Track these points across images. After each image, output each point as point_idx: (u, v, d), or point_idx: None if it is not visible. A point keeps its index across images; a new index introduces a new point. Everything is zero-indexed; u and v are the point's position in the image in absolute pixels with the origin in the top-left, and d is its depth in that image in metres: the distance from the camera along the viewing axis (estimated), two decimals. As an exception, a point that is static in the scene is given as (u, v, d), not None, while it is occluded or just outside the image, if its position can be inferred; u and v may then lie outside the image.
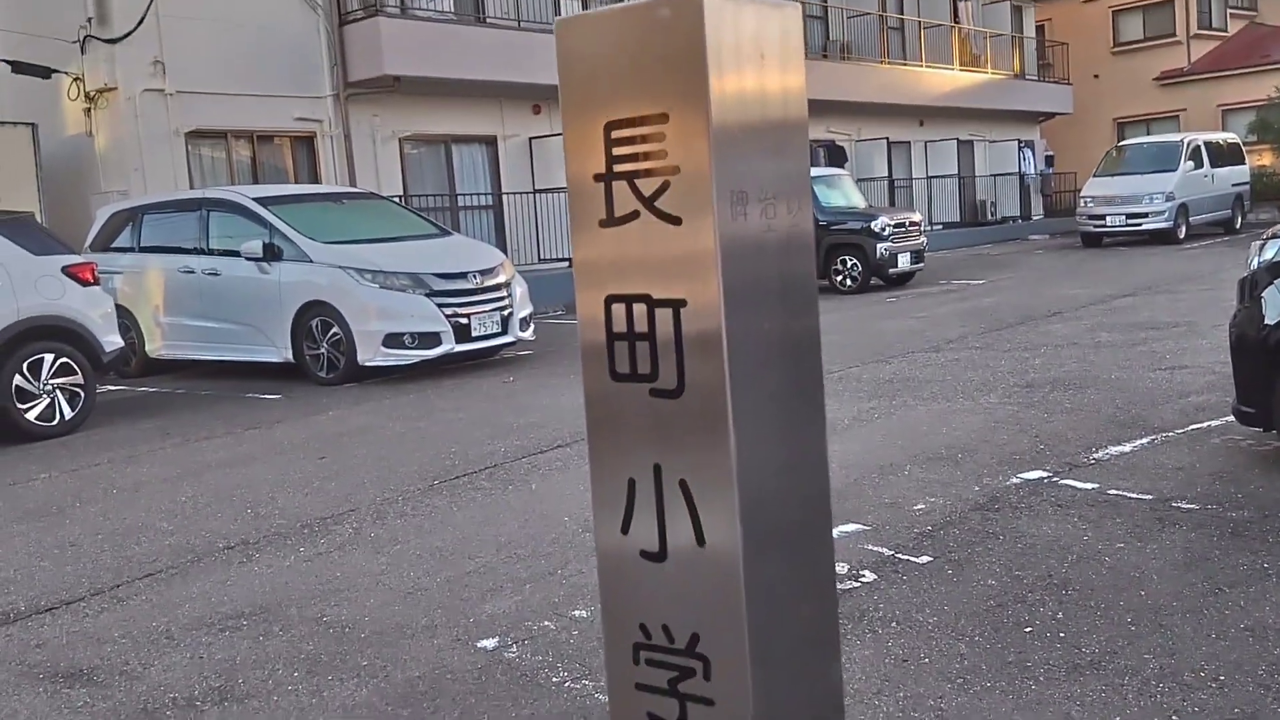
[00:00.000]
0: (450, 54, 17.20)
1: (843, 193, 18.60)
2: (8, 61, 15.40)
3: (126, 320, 12.07)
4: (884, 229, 17.39)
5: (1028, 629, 4.19)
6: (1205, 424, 7.03)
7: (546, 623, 4.57)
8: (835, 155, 25.84)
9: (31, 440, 9.35)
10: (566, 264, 19.81)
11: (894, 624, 4.33)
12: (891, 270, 17.51)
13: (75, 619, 5.06)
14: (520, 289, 11.87)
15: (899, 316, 14.09)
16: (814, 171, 19.04)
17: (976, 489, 5.95)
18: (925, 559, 4.98)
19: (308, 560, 5.64)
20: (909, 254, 17.76)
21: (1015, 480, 6.07)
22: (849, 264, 17.54)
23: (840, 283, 17.59)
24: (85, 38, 15.29)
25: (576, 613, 4.63)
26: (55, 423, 9.48)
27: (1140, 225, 23.05)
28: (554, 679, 4.08)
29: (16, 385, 9.24)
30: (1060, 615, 4.28)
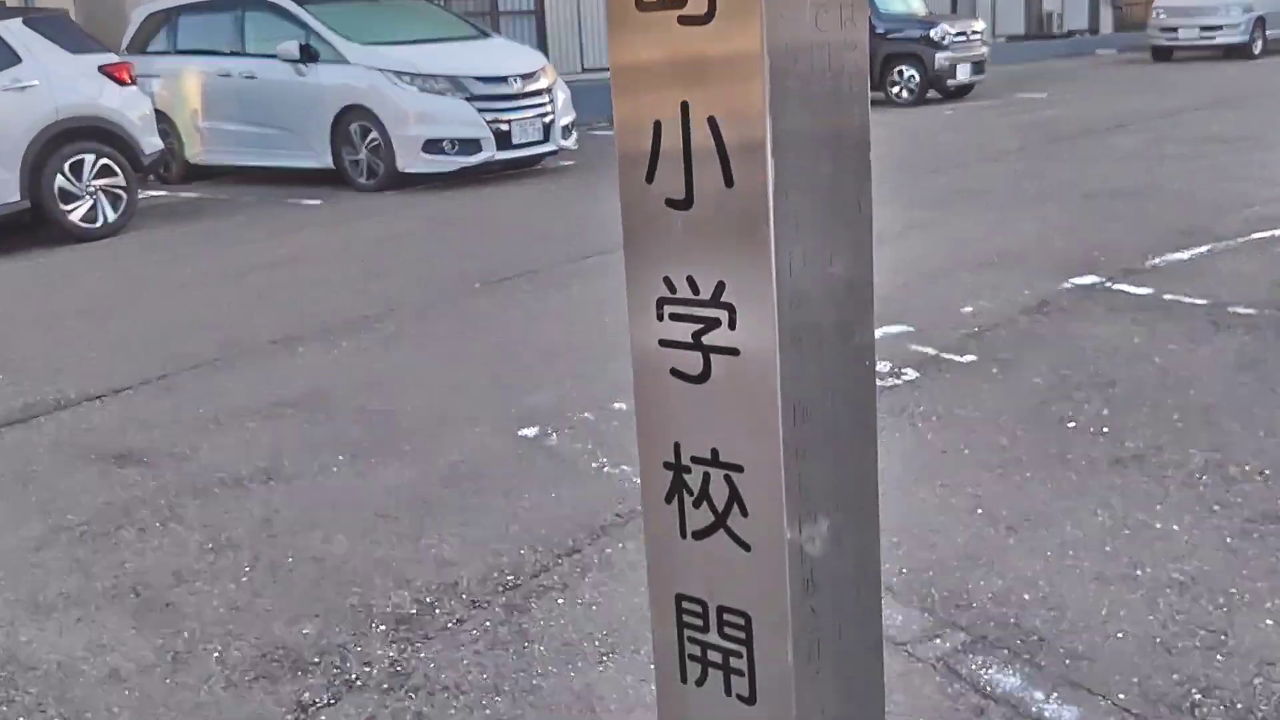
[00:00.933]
0: None
1: (903, 0, 17.83)
2: None
3: (165, 125, 11.94)
4: (944, 38, 16.71)
5: (1071, 424, 4.14)
6: (1269, 233, 6.80)
7: (586, 414, 4.58)
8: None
9: (76, 241, 9.39)
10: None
11: (935, 418, 4.29)
12: (950, 81, 16.90)
13: (124, 406, 5.15)
14: (563, 95, 11.59)
15: (957, 129, 13.67)
16: (871, -23, 18.24)
17: (1027, 293, 5.82)
18: (970, 358, 4.91)
19: (351, 355, 5.67)
20: (969, 65, 17.10)
21: (1068, 285, 5.93)
22: (906, 75, 16.93)
23: (896, 95, 17.01)
24: None
25: (617, 405, 4.63)
26: (99, 224, 9.50)
27: (1214, 39, 21.98)
28: (593, 464, 4.11)
29: (59, 187, 9.23)
30: (1106, 412, 4.22)
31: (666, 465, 1.05)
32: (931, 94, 17.00)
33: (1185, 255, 6.40)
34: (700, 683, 0.86)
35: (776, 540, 0.81)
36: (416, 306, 6.54)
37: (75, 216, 9.37)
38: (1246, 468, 3.69)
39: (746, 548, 0.83)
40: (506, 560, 3.48)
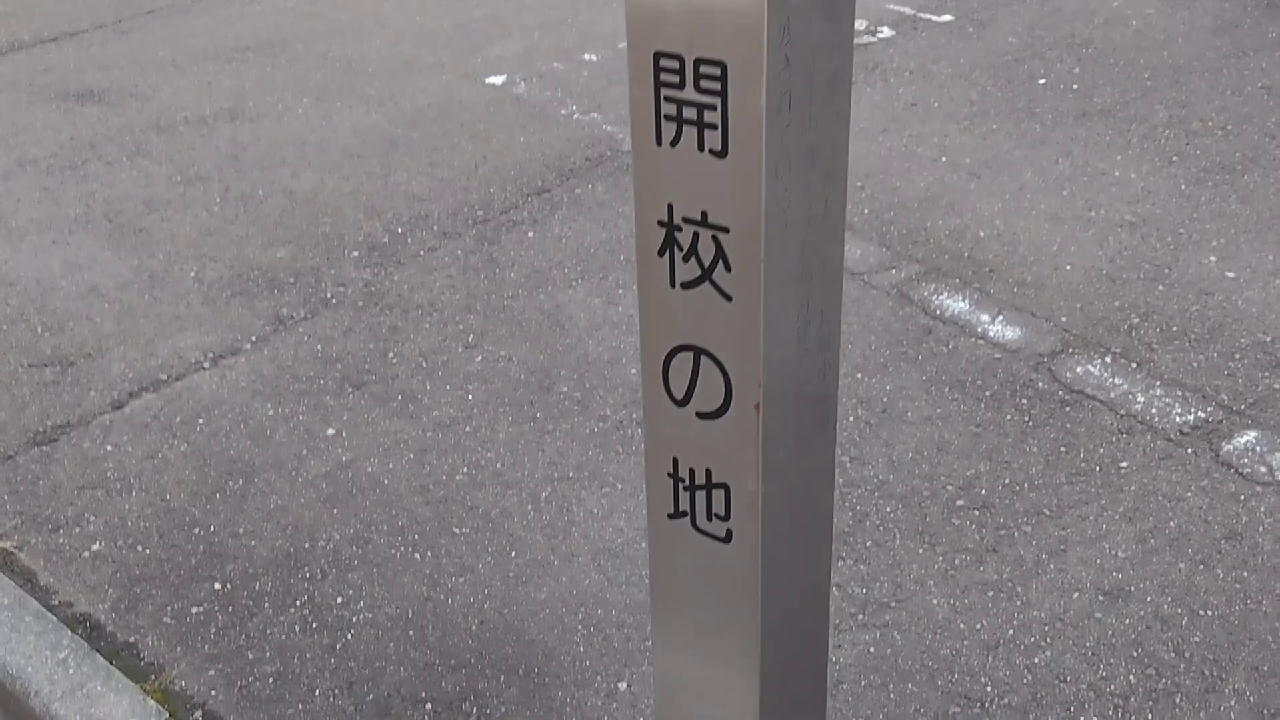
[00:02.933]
0: None
1: None
2: None
3: None
4: None
5: (1041, 80, 4.13)
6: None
7: (556, 64, 4.51)
8: None
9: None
10: None
11: (907, 74, 4.26)
12: None
13: (80, 48, 4.99)
14: None
15: None
16: None
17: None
18: (946, 18, 4.82)
19: (311, 3, 5.47)
20: None
21: (1051, -50, 5.74)
22: None
23: None
24: None
25: (587, 56, 4.55)
26: None
27: None
28: (562, 111, 4.08)
29: None
30: (1077, 70, 4.20)
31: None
32: None
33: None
34: (675, 142, 0.90)
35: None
36: (378, -42, 6.25)
37: None
38: (1209, 123, 3.73)
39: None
40: (476, 197, 3.52)
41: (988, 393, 2.54)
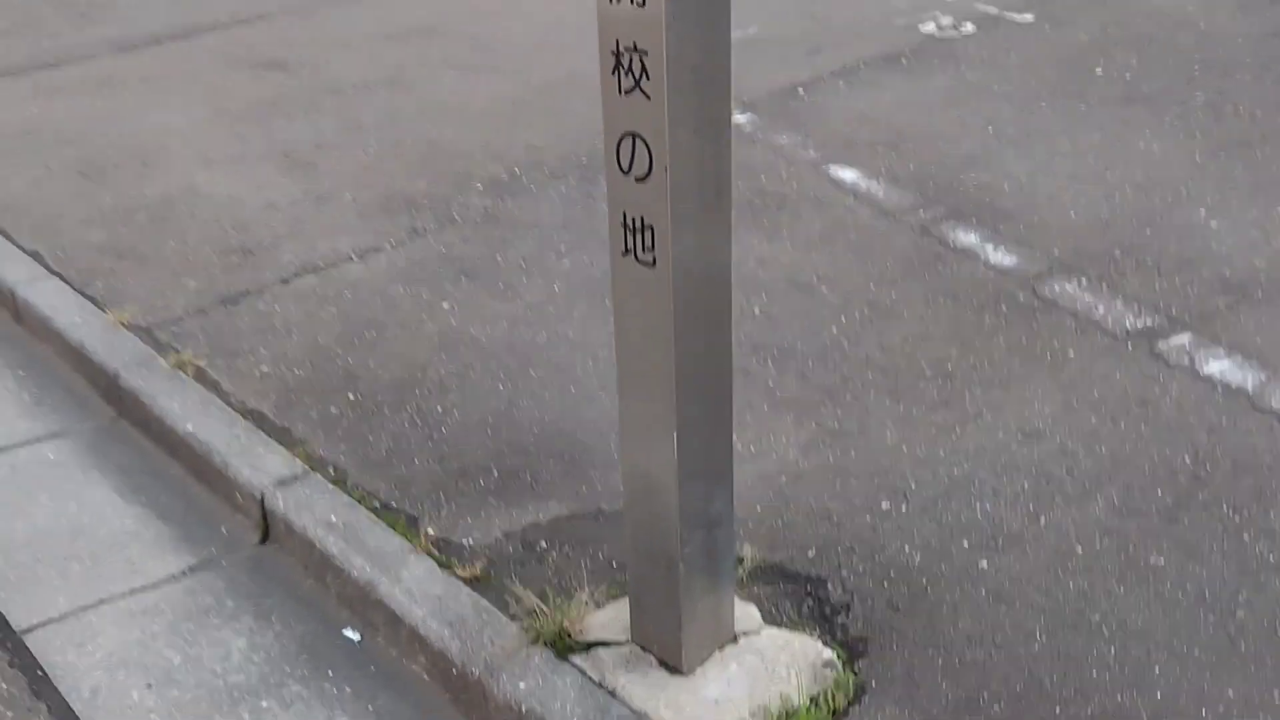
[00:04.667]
0: None
1: None
2: None
3: None
4: None
5: (1098, 70, 4.59)
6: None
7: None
8: None
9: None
10: None
11: (979, 63, 4.77)
12: None
13: (270, 28, 5.87)
14: None
15: None
16: None
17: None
18: (1028, 17, 5.30)
19: (466, -5, 6.26)
20: None
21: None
22: None
23: None
24: None
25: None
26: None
27: None
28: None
29: None
30: (1134, 62, 4.64)
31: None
32: None
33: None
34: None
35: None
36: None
37: None
38: (1240, 108, 4.15)
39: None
40: (584, 149, 4.17)
41: (975, 301, 3.06)
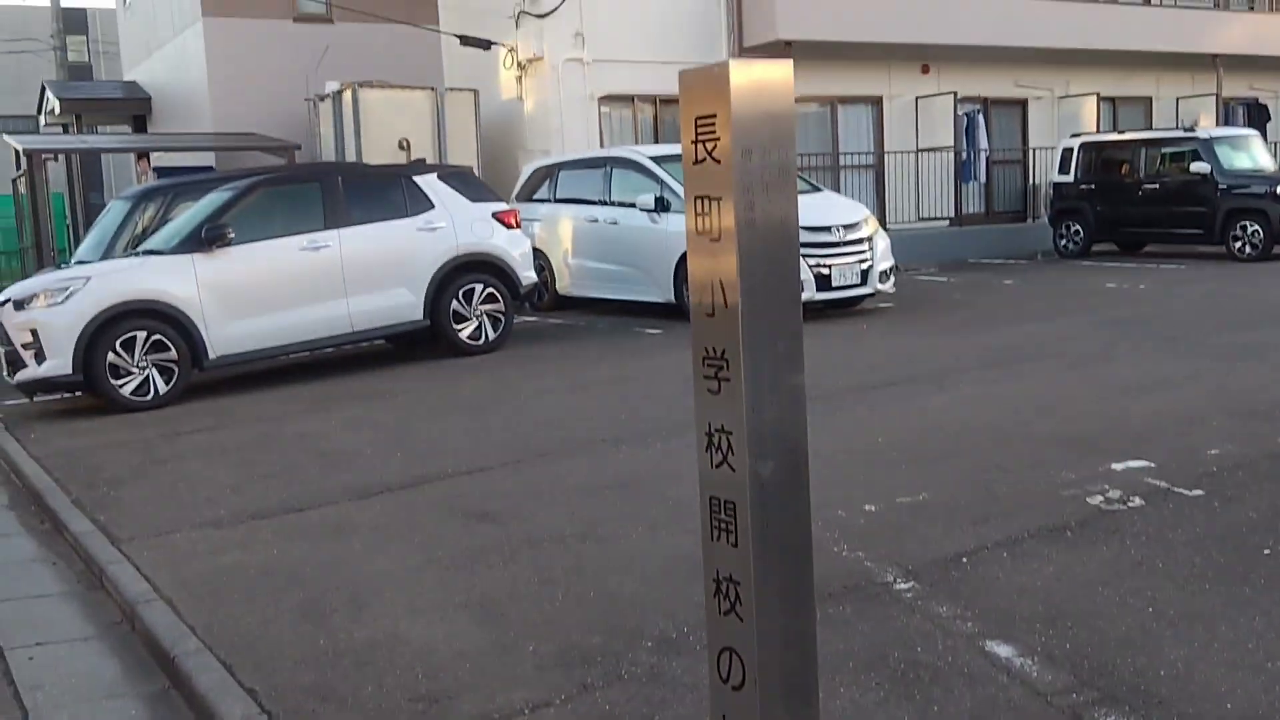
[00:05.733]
0: (839, 16, 17.99)
1: (1249, 154, 17.62)
2: (457, 36, 17.98)
3: (541, 261, 14.03)
4: (1293, 194, 16.38)
5: (1266, 551, 4.63)
6: None
7: (840, 511, 5.50)
8: (1257, 114, 24.13)
9: (463, 355, 11.37)
10: (946, 223, 20.12)
11: (1143, 538, 4.89)
12: (1295, 236, 16.49)
13: (487, 480, 6.60)
14: (882, 244, 12.62)
15: (1290, 284, 13.46)
16: (1217, 132, 18.17)
17: (1280, 440, 6.19)
18: (1197, 493, 5.43)
19: (662, 454, 6.89)
20: (1319, 221, 16.61)
21: (1325, 436, 6.23)
22: (1249, 230, 16.69)
23: (1239, 249, 16.78)
24: (519, 14, 17.55)
25: (867, 507, 5.52)
26: (481, 341, 11.46)
27: None
28: (834, 548, 5.02)
29: (454, 309, 11.27)
30: (1305, 538, 4.67)
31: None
32: (1277, 249, 16.60)
33: None
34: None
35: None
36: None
37: (464, 334, 11.38)
38: None
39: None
40: (751, 610, 4.46)
41: (1120, 795, 3.05)
